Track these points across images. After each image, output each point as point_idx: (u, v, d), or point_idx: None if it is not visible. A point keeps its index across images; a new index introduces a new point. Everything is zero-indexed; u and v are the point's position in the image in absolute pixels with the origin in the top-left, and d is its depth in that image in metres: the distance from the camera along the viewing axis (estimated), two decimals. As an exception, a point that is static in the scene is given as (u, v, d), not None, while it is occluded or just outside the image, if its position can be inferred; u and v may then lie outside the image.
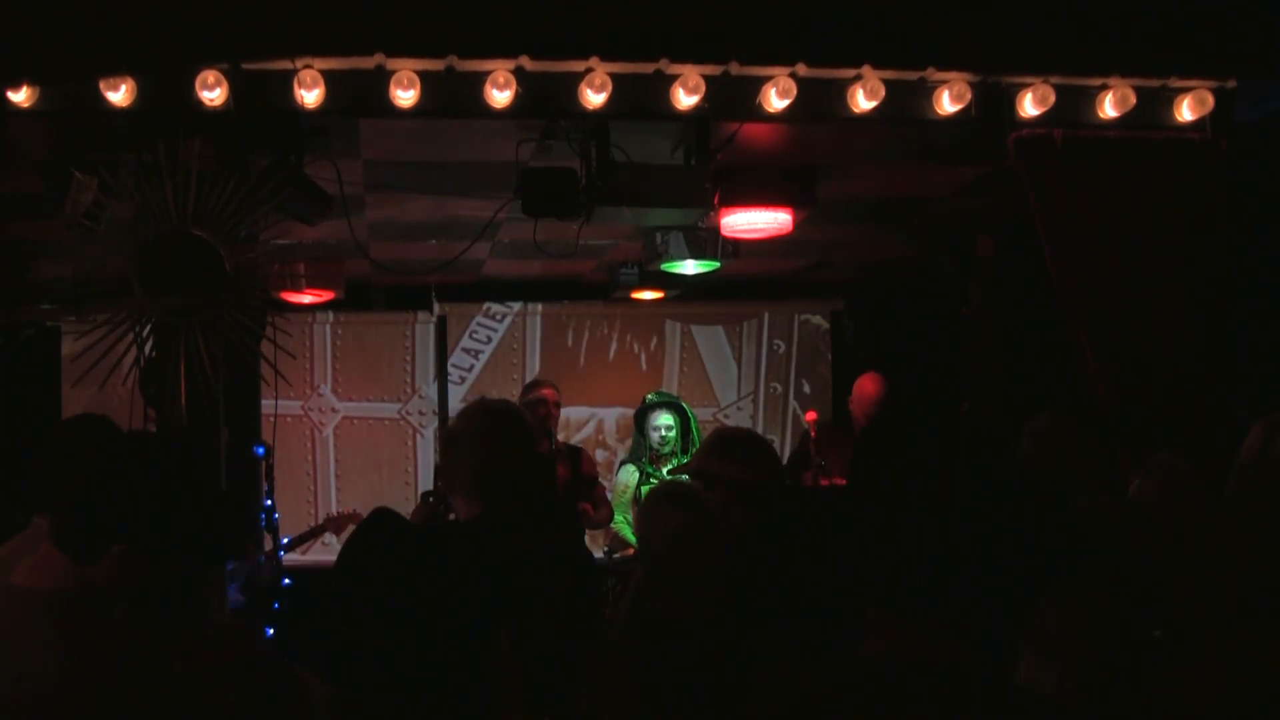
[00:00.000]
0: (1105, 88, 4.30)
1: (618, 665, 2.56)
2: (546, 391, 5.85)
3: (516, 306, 7.94)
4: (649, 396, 6.36)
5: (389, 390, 7.89)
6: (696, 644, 2.48)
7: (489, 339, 7.98)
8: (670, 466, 6.10)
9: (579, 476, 5.94)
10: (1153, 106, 4.36)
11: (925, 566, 1.46)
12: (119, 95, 3.89)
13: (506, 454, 2.85)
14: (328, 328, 7.82)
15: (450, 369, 7.91)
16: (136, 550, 1.86)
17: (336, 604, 2.83)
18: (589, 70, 4.01)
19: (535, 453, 2.99)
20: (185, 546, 1.92)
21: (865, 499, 1.51)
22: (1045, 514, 1.49)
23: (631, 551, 6.03)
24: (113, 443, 1.98)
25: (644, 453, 6.19)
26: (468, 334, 7.95)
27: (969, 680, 1.44)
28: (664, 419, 6.14)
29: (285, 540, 6.17)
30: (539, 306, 7.96)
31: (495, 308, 7.93)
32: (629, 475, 6.20)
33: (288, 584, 5.96)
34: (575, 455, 6.10)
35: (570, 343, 8.04)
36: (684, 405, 6.35)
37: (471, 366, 7.97)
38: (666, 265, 5.60)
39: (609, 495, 6.28)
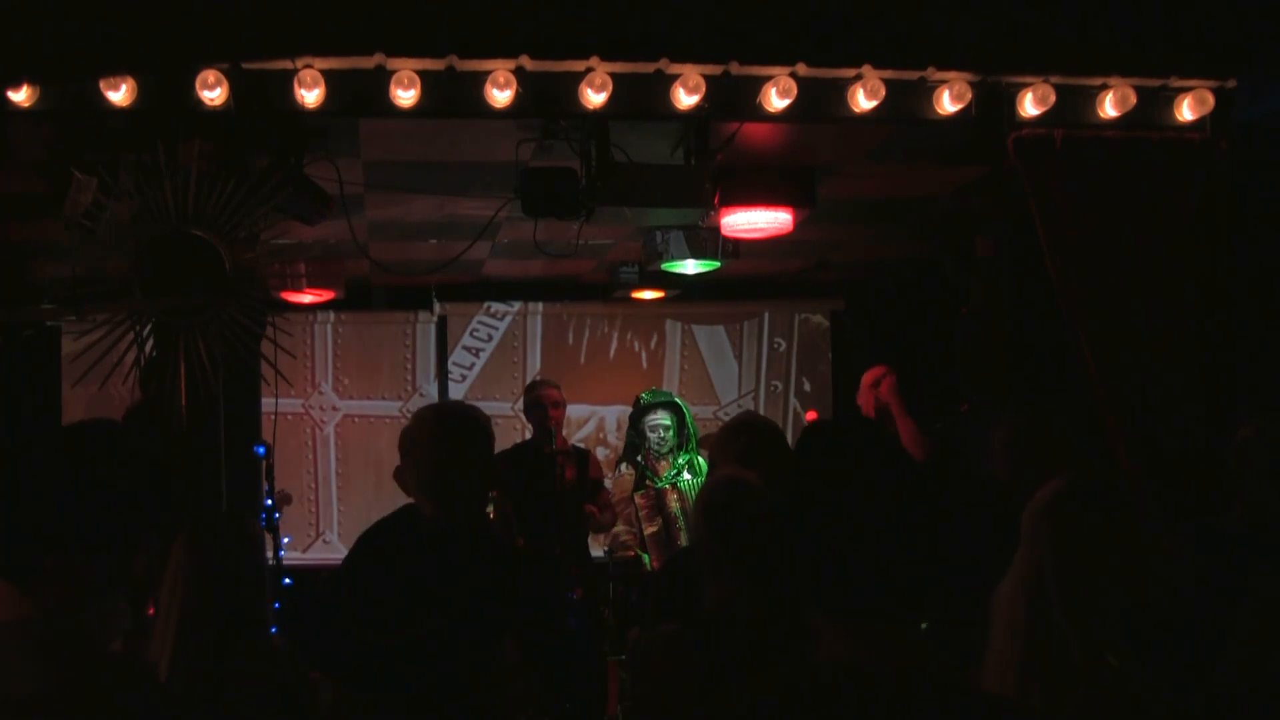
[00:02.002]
0: (1105, 88, 4.30)
1: (675, 657, 2.57)
2: (550, 392, 5.84)
3: (517, 305, 7.95)
4: (643, 396, 6.33)
5: (390, 389, 7.89)
6: (754, 634, 2.49)
7: (490, 337, 7.99)
8: (671, 473, 6.08)
9: (585, 479, 5.93)
10: (1153, 106, 4.36)
11: (871, 571, 1.46)
12: (119, 95, 3.88)
13: (457, 457, 2.86)
14: (329, 327, 7.83)
15: (451, 367, 7.92)
16: (67, 555, 1.80)
17: (343, 603, 2.83)
18: (589, 70, 4.01)
19: (488, 454, 2.99)
20: (113, 536, 1.84)
21: (808, 506, 1.52)
22: (991, 513, 1.50)
23: (631, 553, 6.04)
24: (11, 453, 1.90)
25: (640, 452, 6.17)
26: (468, 332, 7.96)
27: (923, 683, 1.44)
28: (661, 419, 6.13)
29: (286, 540, 6.18)
30: (539, 305, 7.97)
31: (497, 306, 7.93)
32: (625, 481, 6.19)
33: (288, 584, 5.97)
34: (583, 458, 6.09)
35: (571, 341, 8.05)
36: (679, 402, 6.33)
37: (473, 365, 7.98)
38: (666, 265, 5.60)
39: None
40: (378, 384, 7.87)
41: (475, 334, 7.97)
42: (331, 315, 7.73)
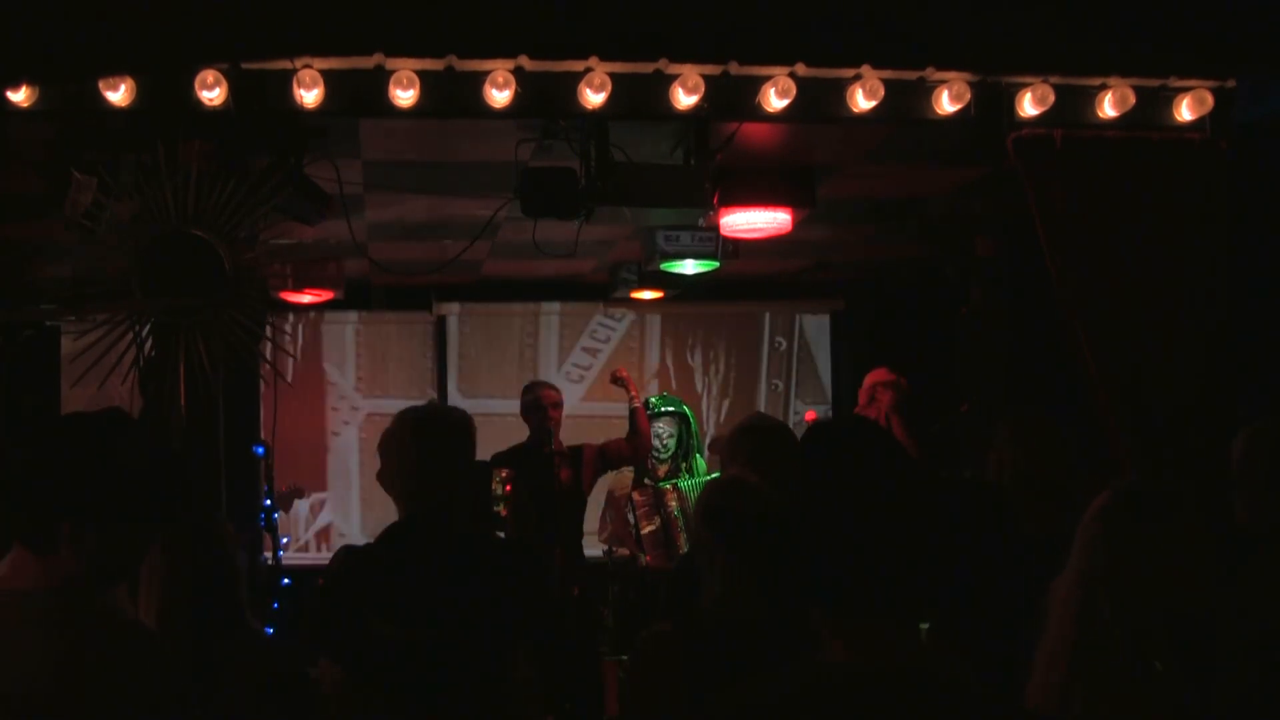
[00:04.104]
0: (1105, 87, 4.30)
1: (663, 657, 2.57)
2: (549, 393, 5.84)
3: (630, 317, 8.06)
4: (652, 400, 6.34)
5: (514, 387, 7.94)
6: (752, 635, 2.50)
7: (608, 339, 8.12)
8: (677, 480, 6.07)
9: (580, 478, 5.92)
10: (1152, 106, 4.36)
11: (872, 573, 1.46)
12: (119, 95, 3.88)
13: (436, 461, 2.87)
14: (454, 320, 7.96)
15: (570, 367, 8.06)
16: (82, 527, 1.88)
17: (360, 594, 2.84)
18: (589, 70, 4.01)
19: (468, 456, 2.99)
20: (126, 511, 1.92)
21: (809, 507, 1.52)
22: (988, 515, 1.51)
23: (628, 553, 6.03)
24: (33, 429, 2.00)
25: None
26: (587, 333, 8.10)
27: (923, 684, 1.44)
28: (666, 428, 6.13)
29: (285, 540, 6.19)
30: (657, 307, 8.07)
31: (616, 309, 8.04)
32: (623, 478, 6.17)
33: (287, 584, 5.97)
34: (576, 456, 6.08)
35: (688, 344, 8.13)
36: (686, 411, 6.32)
37: (590, 365, 8.11)
38: (666, 265, 5.59)
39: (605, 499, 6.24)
40: (502, 382, 7.90)
41: (595, 335, 8.11)
42: (457, 306, 7.83)
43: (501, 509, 5.17)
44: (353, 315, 7.80)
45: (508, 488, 5.21)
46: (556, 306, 7.99)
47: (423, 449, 2.87)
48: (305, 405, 7.68)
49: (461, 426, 2.97)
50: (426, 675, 2.75)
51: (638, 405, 5.99)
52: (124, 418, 2.02)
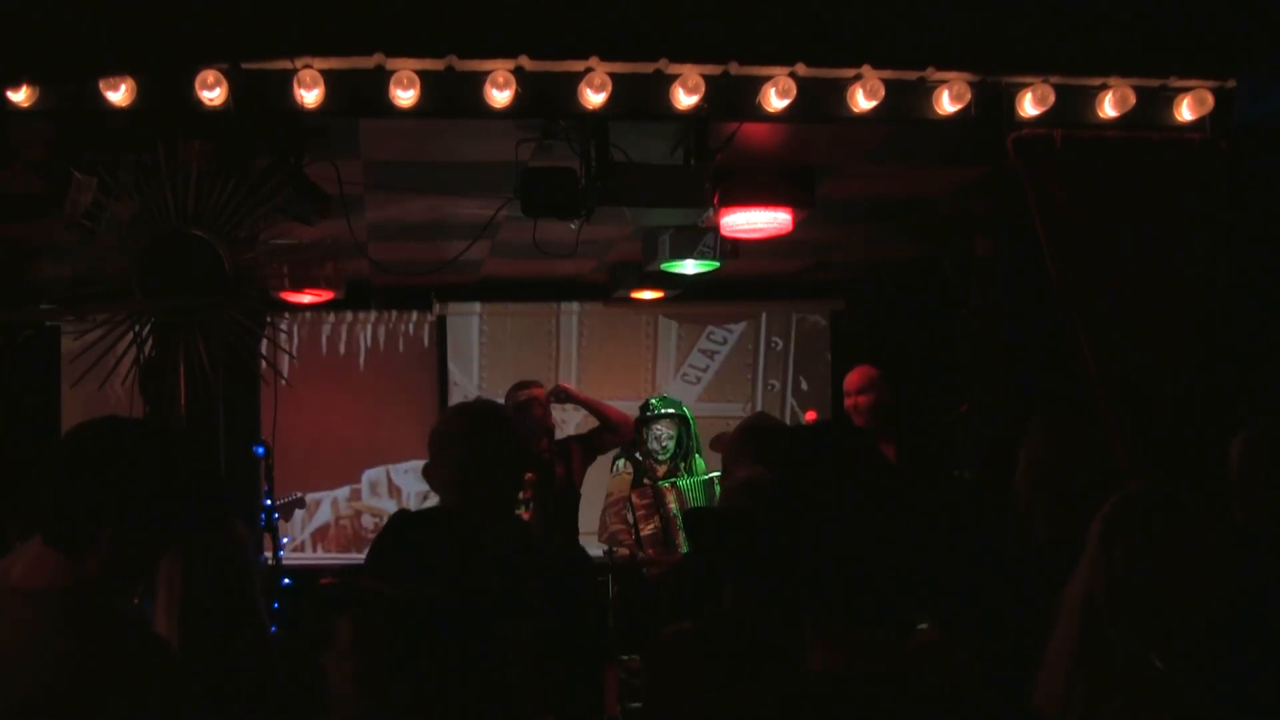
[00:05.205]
0: (1105, 87, 4.30)
1: (681, 656, 2.57)
2: (538, 391, 5.85)
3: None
4: (653, 401, 6.32)
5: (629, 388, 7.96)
6: (772, 635, 2.50)
7: (724, 340, 8.27)
8: (678, 480, 6.07)
9: (572, 473, 5.92)
10: (1153, 106, 4.36)
11: (854, 579, 1.45)
12: (119, 95, 3.88)
13: (483, 455, 2.87)
14: (575, 318, 8.03)
15: (688, 369, 8.19)
16: (123, 532, 1.89)
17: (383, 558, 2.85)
18: (589, 70, 4.01)
19: (516, 452, 3.01)
20: (167, 520, 1.93)
21: (790, 514, 1.51)
22: (987, 517, 1.50)
23: (626, 553, 6.03)
24: (80, 430, 2.00)
25: (643, 454, 6.16)
26: (705, 336, 8.24)
27: (908, 690, 1.43)
28: (665, 430, 6.13)
29: (286, 540, 6.19)
30: (762, 312, 8.20)
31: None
32: (622, 479, 6.17)
33: (287, 584, 5.97)
34: (565, 450, 6.09)
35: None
36: (686, 413, 6.31)
37: (707, 367, 8.27)
38: (666, 265, 5.60)
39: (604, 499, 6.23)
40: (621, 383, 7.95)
41: (711, 337, 8.27)
42: (577, 305, 7.96)
43: (524, 512, 5.17)
44: (476, 307, 7.95)
45: (528, 492, 5.22)
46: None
47: (469, 444, 2.87)
48: (430, 404, 7.75)
49: (505, 421, 2.99)
50: (425, 652, 2.75)
51: (591, 401, 6.00)
52: (170, 426, 2.04)
